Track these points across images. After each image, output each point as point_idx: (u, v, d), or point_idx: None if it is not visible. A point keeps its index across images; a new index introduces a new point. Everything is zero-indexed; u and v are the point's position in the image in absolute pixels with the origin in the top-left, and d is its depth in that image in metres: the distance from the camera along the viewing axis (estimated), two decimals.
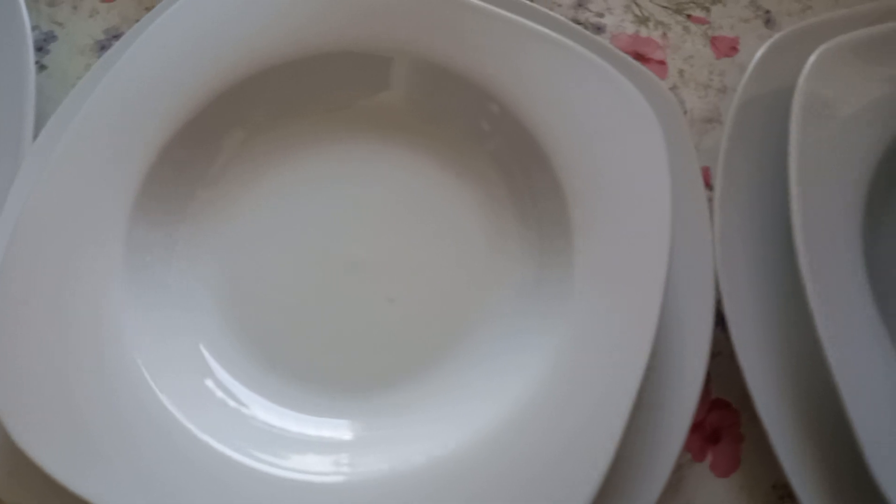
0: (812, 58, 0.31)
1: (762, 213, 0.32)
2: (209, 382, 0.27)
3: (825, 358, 0.27)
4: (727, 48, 0.38)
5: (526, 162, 0.30)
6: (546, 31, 0.31)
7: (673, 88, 0.37)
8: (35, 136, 0.33)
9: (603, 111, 0.30)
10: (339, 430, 0.26)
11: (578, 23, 0.38)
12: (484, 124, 0.31)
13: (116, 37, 0.37)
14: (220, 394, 0.26)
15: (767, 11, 0.38)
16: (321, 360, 0.28)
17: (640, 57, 0.37)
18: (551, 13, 0.35)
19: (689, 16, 0.38)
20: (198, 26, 0.30)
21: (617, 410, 0.26)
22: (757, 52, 0.34)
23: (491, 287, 0.30)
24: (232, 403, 0.26)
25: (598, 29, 0.38)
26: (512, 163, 0.31)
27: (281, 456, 0.25)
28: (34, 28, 0.37)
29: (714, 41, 0.38)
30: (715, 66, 0.37)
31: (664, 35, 0.38)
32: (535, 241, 0.30)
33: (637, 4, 0.38)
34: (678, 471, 0.31)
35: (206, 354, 0.27)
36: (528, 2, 0.35)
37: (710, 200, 0.32)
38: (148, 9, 0.37)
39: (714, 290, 0.31)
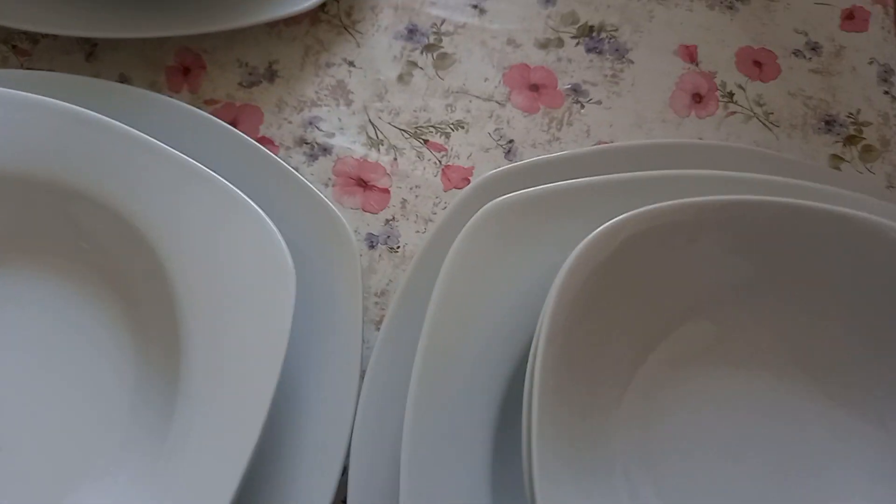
0: (473, 219, 0.28)
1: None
2: None
3: None
4: (459, 179, 0.35)
5: (144, 286, 0.29)
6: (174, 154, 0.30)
7: (390, 221, 0.34)
8: None
9: (239, 251, 0.28)
10: None
11: (306, 142, 0.36)
12: (83, 243, 0.30)
13: None
14: None
15: (511, 141, 0.36)
16: None
17: (362, 183, 0.35)
18: (251, 140, 0.33)
19: (426, 141, 0.36)
20: None
21: None
22: (452, 201, 0.32)
23: (101, 422, 0.28)
24: None
25: (325, 150, 0.36)
26: (131, 286, 0.29)
27: None
28: None
29: (446, 171, 0.35)
30: (441, 199, 0.35)
31: (394, 160, 0.35)
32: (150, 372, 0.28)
33: (373, 125, 0.36)
34: None
35: None
36: (231, 127, 0.33)
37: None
38: None
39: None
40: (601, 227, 0.25)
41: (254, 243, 0.28)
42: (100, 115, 0.30)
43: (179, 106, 0.34)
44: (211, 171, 0.29)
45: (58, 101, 0.31)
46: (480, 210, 0.28)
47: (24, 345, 0.29)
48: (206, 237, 0.29)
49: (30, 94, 0.31)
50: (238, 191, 0.29)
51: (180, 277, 0.28)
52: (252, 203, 0.29)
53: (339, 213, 0.32)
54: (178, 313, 0.28)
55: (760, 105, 0.37)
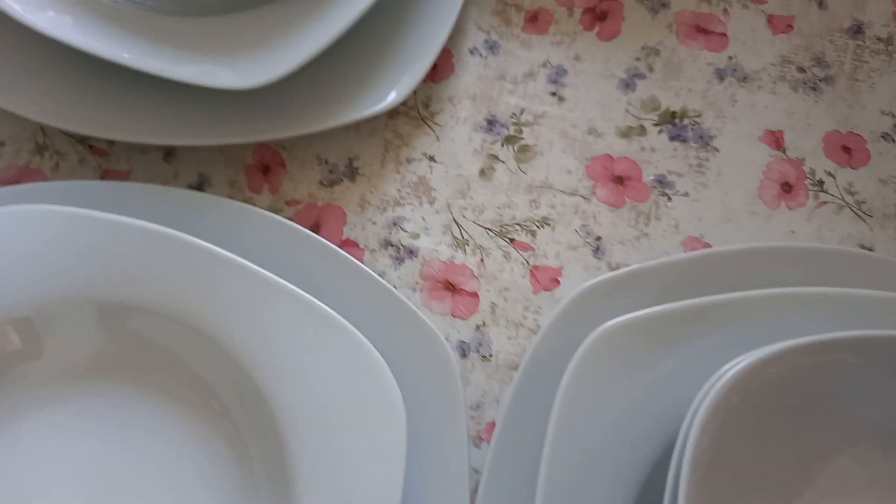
0: (586, 343, 0.28)
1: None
2: None
3: None
4: (548, 280, 0.35)
5: (258, 433, 0.28)
6: (286, 286, 0.29)
7: (481, 326, 0.34)
8: None
9: (345, 384, 0.28)
10: None
11: (391, 244, 0.35)
12: (214, 403, 0.29)
13: None
14: None
15: (598, 238, 0.35)
16: None
17: (451, 287, 0.34)
18: (335, 248, 0.32)
19: (512, 240, 0.35)
20: None
21: None
22: (557, 307, 0.31)
23: None
24: None
25: (411, 252, 0.35)
26: (246, 434, 0.29)
27: None
28: None
29: (534, 272, 0.35)
30: (531, 302, 0.34)
31: (481, 261, 0.35)
32: None
33: (458, 224, 0.36)
34: None
35: None
36: (314, 235, 0.33)
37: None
38: None
39: None
40: (731, 373, 0.24)
41: (364, 380, 0.28)
42: (188, 237, 0.30)
43: (260, 213, 0.33)
44: (330, 310, 0.29)
45: (136, 221, 0.30)
46: (591, 336, 0.28)
47: (137, 474, 0.29)
48: (311, 369, 0.28)
49: (105, 215, 0.30)
50: (352, 327, 0.29)
51: (288, 416, 0.28)
52: (366, 340, 0.28)
53: (433, 326, 0.31)
54: (285, 449, 0.27)
55: (852, 194, 0.36)
